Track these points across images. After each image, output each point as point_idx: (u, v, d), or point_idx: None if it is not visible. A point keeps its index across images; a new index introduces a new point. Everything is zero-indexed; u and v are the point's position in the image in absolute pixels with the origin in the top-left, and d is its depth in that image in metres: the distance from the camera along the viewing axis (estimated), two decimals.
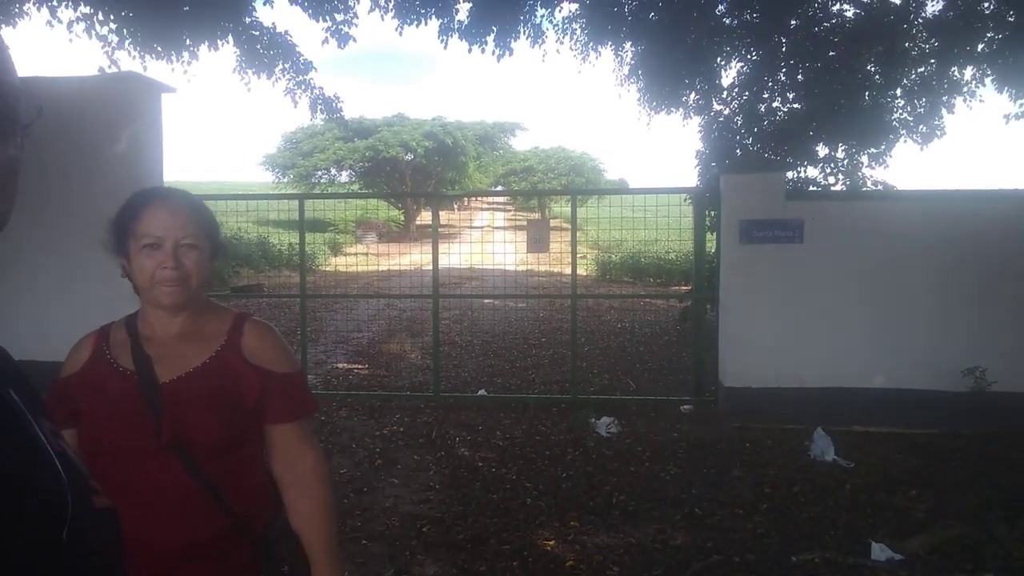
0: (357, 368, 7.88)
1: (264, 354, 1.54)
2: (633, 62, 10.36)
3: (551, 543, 3.73)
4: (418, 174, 31.45)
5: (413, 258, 14.93)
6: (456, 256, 11.46)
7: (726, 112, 9.71)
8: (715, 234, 6.62)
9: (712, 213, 9.95)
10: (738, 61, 9.75)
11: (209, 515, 1.44)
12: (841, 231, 5.81)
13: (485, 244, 15.59)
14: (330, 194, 20.51)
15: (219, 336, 1.54)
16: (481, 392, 6.69)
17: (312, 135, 29.81)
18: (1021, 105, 8.30)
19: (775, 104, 9.55)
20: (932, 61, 9.26)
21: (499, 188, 40.94)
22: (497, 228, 24.21)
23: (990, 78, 8.93)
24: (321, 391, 6.55)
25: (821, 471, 4.62)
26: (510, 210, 40.17)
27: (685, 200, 9.39)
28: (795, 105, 9.55)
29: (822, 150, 9.24)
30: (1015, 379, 5.41)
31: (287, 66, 7.72)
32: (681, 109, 10.16)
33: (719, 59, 9.78)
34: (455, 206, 39.37)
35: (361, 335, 9.38)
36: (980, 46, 8.67)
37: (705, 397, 6.36)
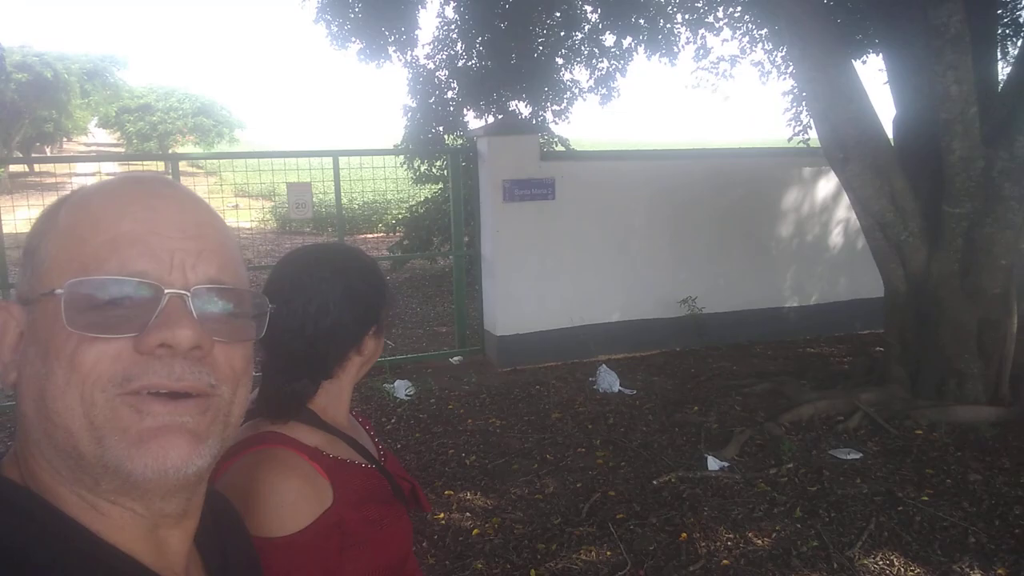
0: None
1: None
2: (322, 2, 9.95)
3: (441, 516, 3.80)
4: (7, 113, 25.91)
5: (24, 214, 12.58)
6: None
7: (430, 66, 9.92)
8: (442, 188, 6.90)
9: (422, 168, 10.30)
10: (437, 17, 9.98)
11: None
12: (585, 187, 6.52)
13: None
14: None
15: None
16: None
17: None
18: (696, 71, 9.87)
19: (472, 61, 10.04)
20: (589, 30, 10.54)
21: (110, 128, 35.87)
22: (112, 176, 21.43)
23: (642, 47, 10.52)
24: None
25: (616, 401, 5.34)
26: (120, 153, 35.47)
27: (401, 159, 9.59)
28: (487, 62, 10.16)
29: (518, 106, 10.02)
30: (717, 303, 6.77)
31: None
32: (380, 59, 10.08)
33: (417, 9, 9.89)
34: (48, 151, 33.58)
35: None
36: (634, 18, 10.14)
37: (471, 348, 6.75)
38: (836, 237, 7.48)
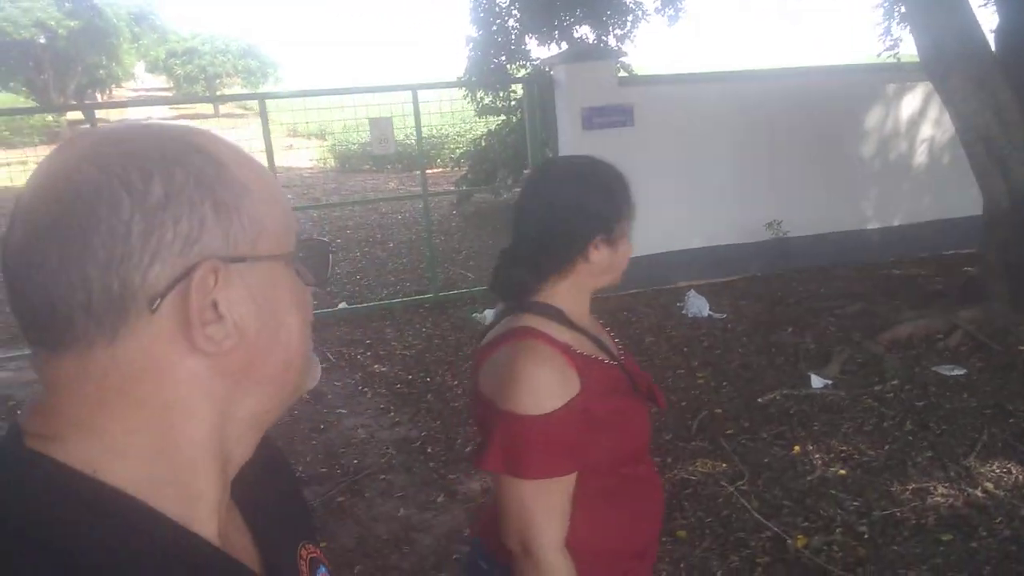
0: None
1: None
2: None
3: None
4: (60, 61, 26.34)
5: None
6: None
7: None
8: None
9: (485, 100, 10.25)
10: None
11: None
12: (663, 112, 6.45)
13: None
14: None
15: None
16: (342, 305, 6.42)
17: None
18: None
19: None
20: None
21: (156, 72, 36.25)
22: (166, 119, 21.87)
23: None
24: None
25: (707, 325, 5.42)
26: (168, 98, 35.86)
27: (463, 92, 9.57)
28: None
29: (583, 32, 9.85)
30: (803, 226, 6.72)
31: None
32: None
33: None
34: (99, 97, 34.09)
35: None
36: None
37: None
38: (920, 156, 7.30)
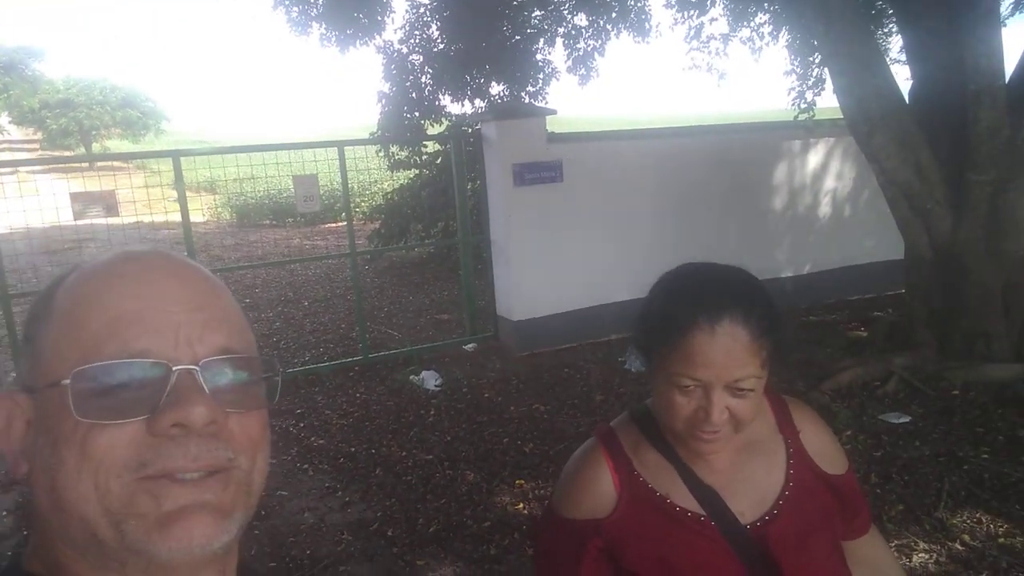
0: None
1: (825, 453, 1.21)
2: None
3: (522, 506, 3.77)
4: None
5: None
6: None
7: (403, 50, 9.71)
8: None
9: (400, 155, 10.10)
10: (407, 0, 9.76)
11: None
12: (590, 168, 6.50)
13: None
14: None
15: (774, 438, 1.19)
16: None
17: None
18: (689, 52, 9.85)
19: (448, 45, 9.85)
20: (556, 9, 10.49)
21: (24, 125, 34.02)
22: (35, 172, 20.54)
23: (610, 24, 10.53)
24: None
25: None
26: (35, 150, 33.77)
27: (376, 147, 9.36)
28: (459, 45, 9.99)
29: (497, 89, 9.91)
30: None
31: None
32: (348, 45, 9.80)
33: None
34: None
35: None
36: None
37: (484, 334, 6.69)
38: (825, 207, 7.68)
